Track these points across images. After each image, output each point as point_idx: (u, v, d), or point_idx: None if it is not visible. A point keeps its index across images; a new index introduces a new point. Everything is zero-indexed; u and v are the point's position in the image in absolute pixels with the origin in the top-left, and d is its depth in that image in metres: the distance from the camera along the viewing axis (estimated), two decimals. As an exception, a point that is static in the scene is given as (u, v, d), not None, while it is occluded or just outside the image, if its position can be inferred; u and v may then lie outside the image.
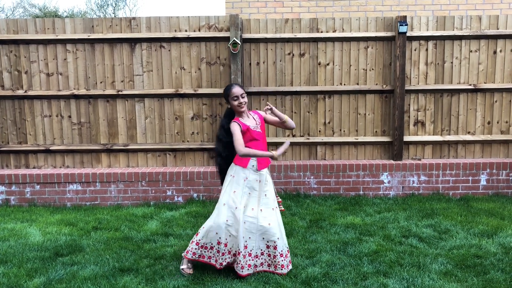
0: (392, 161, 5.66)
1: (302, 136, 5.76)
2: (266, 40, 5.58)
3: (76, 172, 5.48)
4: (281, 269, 3.39)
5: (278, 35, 5.55)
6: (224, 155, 3.49)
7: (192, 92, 5.58)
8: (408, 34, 5.52)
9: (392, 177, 5.59)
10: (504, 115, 5.73)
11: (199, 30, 5.56)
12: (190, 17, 5.56)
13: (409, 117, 5.72)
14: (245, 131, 3.36)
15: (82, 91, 5.59)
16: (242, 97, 3.40)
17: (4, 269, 3.53)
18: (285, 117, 3.54)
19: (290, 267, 3.48)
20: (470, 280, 3.26)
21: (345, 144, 5.77)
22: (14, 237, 4.28)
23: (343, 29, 5.60)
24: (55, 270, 3.48)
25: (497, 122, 5.73)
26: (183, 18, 5.56)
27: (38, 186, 5.47)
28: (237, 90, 3.39)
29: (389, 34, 5.56)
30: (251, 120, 3.48)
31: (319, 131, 5.75)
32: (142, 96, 5.62)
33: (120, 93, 5.57)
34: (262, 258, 3.41)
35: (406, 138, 5.70)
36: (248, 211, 3.35)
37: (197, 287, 3.20)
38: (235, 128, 3.33)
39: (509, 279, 3.26)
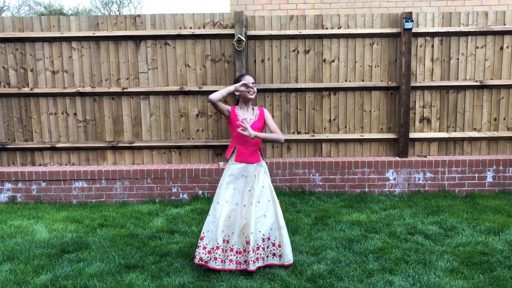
0: (397, 158, 5.64)
1: (307, 133, 5.75)
2: (270, 37, 5.57)
3: (81, 170, 5.50)
4: (252, 265, 3.27)
5: (282, 32, 5.53)
6: None
7: (197, 89, 5.58)
8: (413, 31, 5.48)
9: (397, 174, 5.57)
10: (510, 112, 5.68)
11: (204, 27, 5.56)
12: (194, 14, 5.56)
13: (414, 113, 5.70)
14: (232, 120, 3.49)
15: (88, 89, 5.60)
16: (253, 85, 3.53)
17: (11, 265, 3.56)
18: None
19: (258, 264, 3.33)
20: (476, 277, 3.24)
21: (350, 141, 5.75)
22: (21, 234, 4.31)
23: (348, 26, 5.58)
24: (61, 267, 3.50)
25: (504, 119, 5.69)
26: (187, 15, 5.56)
27: (44, 183, 5.50)
28: (250, 78, 3.54)
29: (394, 30, 5.53)
30: (249, 113, 3.56)
31: (324, 128, 5.74)
32: (147, 94, 5.63)
33: (125, 90, 5.58)
34: (244, 256, 3.38)
35: (412, 135, 5.68)
36: (233, 205, 3.40)
37: (203, 284, 3.20)
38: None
39: (515, 276, 3.24)
